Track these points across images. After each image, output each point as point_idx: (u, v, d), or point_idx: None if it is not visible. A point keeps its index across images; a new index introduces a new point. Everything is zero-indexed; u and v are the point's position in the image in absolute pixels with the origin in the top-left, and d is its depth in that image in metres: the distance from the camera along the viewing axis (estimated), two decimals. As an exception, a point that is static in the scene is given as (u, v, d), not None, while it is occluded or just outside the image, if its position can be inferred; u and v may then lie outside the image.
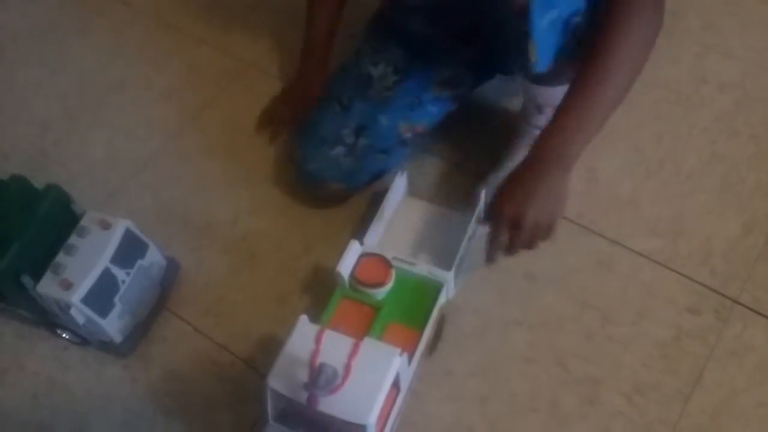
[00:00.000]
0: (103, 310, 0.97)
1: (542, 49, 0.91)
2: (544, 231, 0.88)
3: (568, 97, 0.88)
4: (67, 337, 1.05)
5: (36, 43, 1.44)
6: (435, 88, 1.12)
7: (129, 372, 1.04)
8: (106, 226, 0.98)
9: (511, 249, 0.89)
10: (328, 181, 1.10)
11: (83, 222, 0.99)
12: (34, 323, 1.06)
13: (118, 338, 1.01)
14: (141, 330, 1.04)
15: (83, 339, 1.04)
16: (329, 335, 0.87)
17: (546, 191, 0.87)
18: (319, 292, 1.06)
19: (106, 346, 1.03)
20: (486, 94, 1.21)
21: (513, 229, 0.87)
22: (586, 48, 0.88)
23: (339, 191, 1.11)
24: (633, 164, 1.14)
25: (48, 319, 1.02)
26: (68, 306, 0.94)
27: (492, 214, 0.89)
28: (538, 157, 0.88)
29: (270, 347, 1.02)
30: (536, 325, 1.02)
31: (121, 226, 0.99)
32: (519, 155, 1.03)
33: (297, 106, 1.20)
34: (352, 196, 1.13)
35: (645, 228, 1.08)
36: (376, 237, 1.07)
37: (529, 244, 0.89)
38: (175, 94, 1.33)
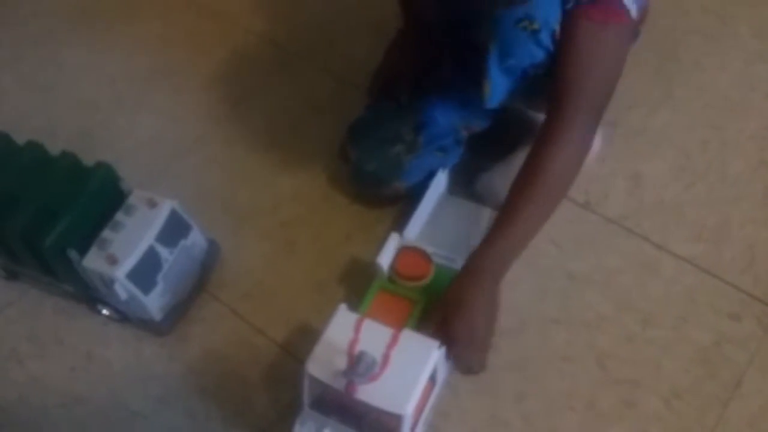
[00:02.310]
0: (146, 287, 0.98)
1: (495, 89, 0.96)
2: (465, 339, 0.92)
3: (501, 217, 0.94)
4: (107, 313, 1.06)
5: (84, 27, 1.47)
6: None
7: (167, 350, 1.05)
8: (152, 205, 1.00)
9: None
10: (389, 181, 1.09)
11: (130, 200, 1.00)
12: (76, 299, 1.08)
13: (158, 316, 1.02)
14: (180, 309, 1.05)
15: (123, 316, 1.05)
16: (368, 324, 0.87)
17: (474, 303, 0.92)
18: (357, 283, 1.06)
19: (145, 324, 1.04)
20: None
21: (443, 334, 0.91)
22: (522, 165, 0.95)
23: (399, 190, 1.10)
24: (679, 169, 1.13)
25: (90, 294, 1.04)
26: (112, 281, 0.95)
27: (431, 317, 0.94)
28: (470, 271, 0.93)
29: (306, 333, 1.03)
30: (575, 325, 1.01)
31: (167, 206, 1.00)
32: (520, 158, 1.08)
33: (409, 62, 1.16)
34: (413, 195, 1.10)
35: (689, 233, 1.07)
36: (415, 231, 1.07)
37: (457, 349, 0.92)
38: (221, 82, 1.34)
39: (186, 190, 1.18)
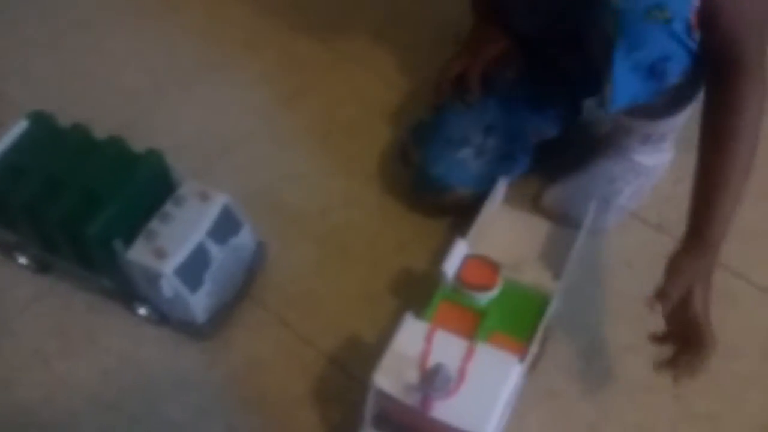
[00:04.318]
0: (193, 285, 0.91)
1: (619, 92, 0.89)
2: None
3: (715, 190, 0.87)
4: (144, 313, 0.99)
5: (128, 16, 1.41)
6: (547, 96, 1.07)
7: (207, 356, 0.97)
8: (204, 197, 0.93)
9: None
10: (454, 186, 1.03)
11: (181, 191, 0.94)
12: (110, 295, 1.01)
13: (201, 318, 0.95)
14: (224, 313, 0.98)
15: (162, 316, 0.98)
16: (440, 335, 0.81)
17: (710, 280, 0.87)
18: (410, 295, 1.00)
19: (184, 327, 0.97)
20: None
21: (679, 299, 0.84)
22: (704, 128, 0.88)
23: (466, 197, 1.04)
24: (758, 193, 1.07)
25: (128, 290, 0.96)
26: (159, 276, 0.88)
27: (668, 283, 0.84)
28: (705, 241, 0.86)
29: (358, 346, 0.96)
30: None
31: (220, 200, 0.94)
32: (593, 172, 1.06)
33: (478, 58, 1.09)
34: (475, 204, 1.03)
35: (771, 260, 1.01)
36: (474, 242, 1.01)
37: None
38: (269, 79, 1.28)
39: (231, 188, 1.10)
